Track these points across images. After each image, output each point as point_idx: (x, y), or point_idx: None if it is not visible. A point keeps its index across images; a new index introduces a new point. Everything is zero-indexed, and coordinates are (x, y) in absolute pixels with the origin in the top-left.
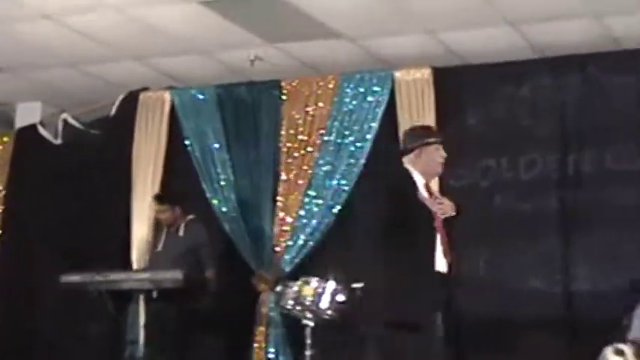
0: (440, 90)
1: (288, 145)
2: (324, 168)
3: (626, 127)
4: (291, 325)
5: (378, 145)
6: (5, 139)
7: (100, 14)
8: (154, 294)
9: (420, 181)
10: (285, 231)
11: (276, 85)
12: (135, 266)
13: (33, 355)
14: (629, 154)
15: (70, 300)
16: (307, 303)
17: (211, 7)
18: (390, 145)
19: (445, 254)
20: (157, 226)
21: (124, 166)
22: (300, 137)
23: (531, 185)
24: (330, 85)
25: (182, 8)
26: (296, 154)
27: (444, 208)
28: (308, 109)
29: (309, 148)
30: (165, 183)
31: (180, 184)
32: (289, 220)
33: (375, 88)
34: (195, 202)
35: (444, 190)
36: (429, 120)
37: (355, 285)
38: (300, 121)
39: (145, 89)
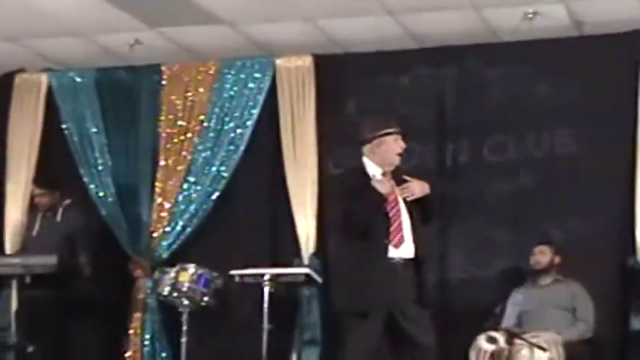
0: (321, 78)
1: (168, 130)
2: (204, 154)
3: (502, 119)
4: (168, 311)
5: (258, 132)
6: None
7: None
8: (27, 279)
9: (376, 170)
10: (163, 217)
11: (156, 69)
12: (8, 251)
13: None
14: (505, 145)
15: None
16: (184, 289)
17: None
18: (270, 131)
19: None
20: (32, 210)
21: None
22: (179, 123)
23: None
24: (211, 71)
25: None
26: (175, 140)
27: (410, 191)
28: (188, 94)
29: (189, 134)
30: (41, 167)
31: (56, 168)
32: (167, 205)
33: (256, 75)
34: (72, 187)
35: (323, 177)
36: (310, 107)
37: (233, 272)
38: (180, 107)
39: (21, 71)
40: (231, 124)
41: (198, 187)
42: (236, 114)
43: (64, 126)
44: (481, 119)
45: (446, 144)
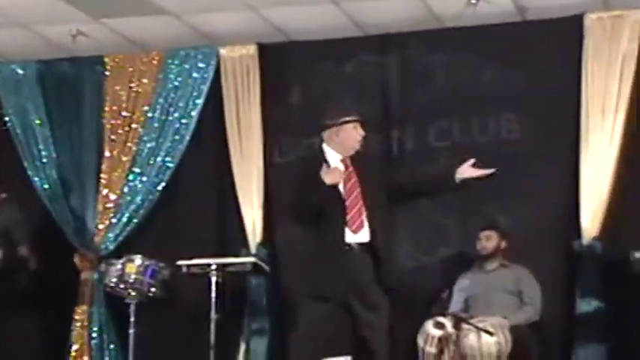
0: (265, 67)
1: (112, 121)
2: (149, 145)
3: (447, 105)
4: (115, 303)
5: (203, 122)
6: None
7: None
8: None
9: (334, 156)
10: (109, 208)
11: (99, 60)
12: None
13: None
14: (450, 131)
15: None
16: (131, 281)
17: None
18: (215, 121)
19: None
20: None
21: None
22: (123, 114)
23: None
24: (155, 62)
25: None
26: (120, 131)
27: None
28: (132, 85)
29: (134, 125)
30: None
31: None
32: (113, 197)
33: (200, 65)
34: (16, 180)
35: (268, 166)
36: (255, 96)
37: (180, 262)
38: (124, 98)
39: None
40: (176, 115)
41: (144, 178)
42: (181, 104)
43: (6, 119)
44: (426, 105)
45: (391, 130)
